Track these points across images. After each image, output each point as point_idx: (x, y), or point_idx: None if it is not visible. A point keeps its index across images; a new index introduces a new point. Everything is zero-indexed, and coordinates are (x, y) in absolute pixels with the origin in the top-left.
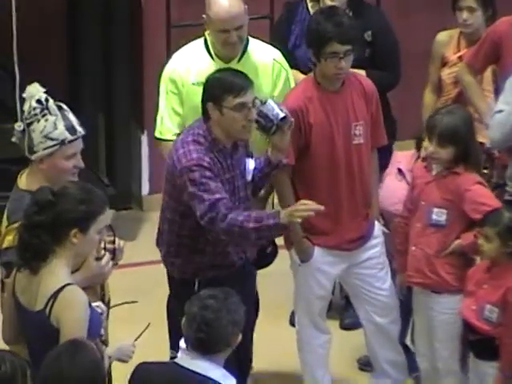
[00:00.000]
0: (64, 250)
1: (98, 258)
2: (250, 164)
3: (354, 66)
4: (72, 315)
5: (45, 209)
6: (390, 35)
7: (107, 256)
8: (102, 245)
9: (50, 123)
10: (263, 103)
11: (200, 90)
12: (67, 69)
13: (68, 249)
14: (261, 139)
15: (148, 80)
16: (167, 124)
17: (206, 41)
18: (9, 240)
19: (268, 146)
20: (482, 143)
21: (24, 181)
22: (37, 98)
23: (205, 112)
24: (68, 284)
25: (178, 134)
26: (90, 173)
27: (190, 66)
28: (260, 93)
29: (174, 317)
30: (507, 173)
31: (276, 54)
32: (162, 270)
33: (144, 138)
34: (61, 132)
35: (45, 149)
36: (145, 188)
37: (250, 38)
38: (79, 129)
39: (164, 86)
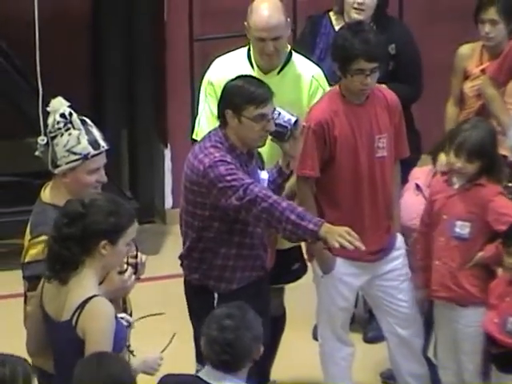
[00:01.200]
0: (93, 260)
1: (121, 272)
2: (263, 175)
3: (377, 80)
4: (98, 326)
5: (75, 221)
6: (413, 48)
7: (130, 270)
8: (125, 259)
9: (74, 137)
10: (273, 112)
11: None
12: (90, 82)
13: (97, 260)
14: (271, 149)
15: (171, 94)
16: (203, 126)
17: (249, 50)
18: (31, 254)
19: (279, 157)
20: (505, 156)
21: (47, 194)
22: (61, 112)
23: (222, 118)
24: (95, 295)
25: None
26: (113, 186)
27: (229, 72)
28: (295, 106)
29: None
30: None
31: (316, 71)
32: None
33: (167, 152)
34: (84, 146)
35: (68, 163)
36: (168, 202)
37: (294, 53)
38: (102, 143)
39: (203, 89)
